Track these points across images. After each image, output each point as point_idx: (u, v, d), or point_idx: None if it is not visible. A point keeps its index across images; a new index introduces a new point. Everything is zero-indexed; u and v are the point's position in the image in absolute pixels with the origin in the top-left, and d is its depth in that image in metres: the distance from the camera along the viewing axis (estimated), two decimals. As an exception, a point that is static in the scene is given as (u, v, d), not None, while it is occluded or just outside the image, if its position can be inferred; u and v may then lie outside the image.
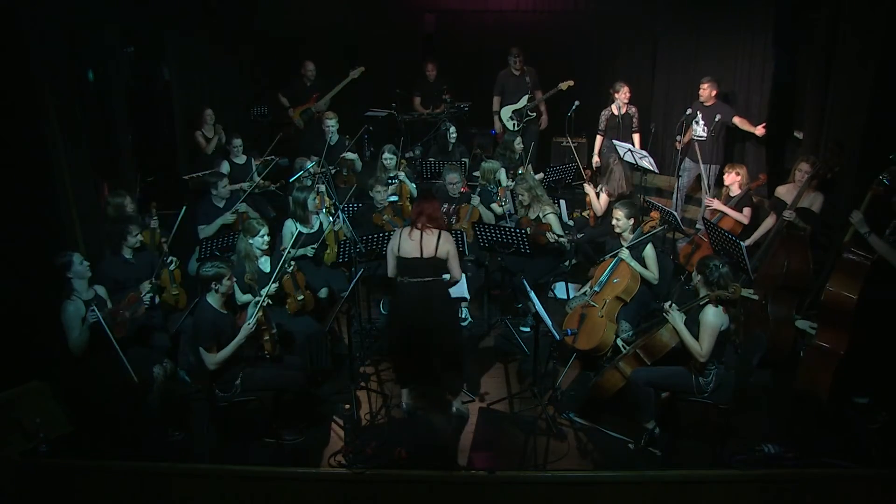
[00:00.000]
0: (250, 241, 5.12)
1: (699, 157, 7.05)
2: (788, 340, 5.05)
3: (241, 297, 4.99)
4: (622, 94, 7.60)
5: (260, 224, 5.18)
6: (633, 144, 7.49)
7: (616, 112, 7.65)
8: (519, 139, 7.36)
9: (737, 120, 7.10)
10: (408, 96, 8.73)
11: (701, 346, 4.20)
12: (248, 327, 4.39)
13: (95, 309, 4.50)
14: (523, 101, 8.10)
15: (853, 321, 4.53)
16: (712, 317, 4.18)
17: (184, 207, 5.78)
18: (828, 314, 4.61)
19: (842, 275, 4.56)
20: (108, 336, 4.46)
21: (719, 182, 7.35)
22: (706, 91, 7.14)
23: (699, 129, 7.21)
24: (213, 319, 4.38)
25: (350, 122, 8.03)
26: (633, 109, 7.71)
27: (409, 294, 4.57)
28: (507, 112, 8.25)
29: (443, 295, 4.64)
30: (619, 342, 4.83)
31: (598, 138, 7.86)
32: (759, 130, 7.01)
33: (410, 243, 4.52)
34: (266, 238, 5.16)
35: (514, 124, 8.15)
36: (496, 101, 8.32)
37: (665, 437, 4.50)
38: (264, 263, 5.18)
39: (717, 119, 7.03)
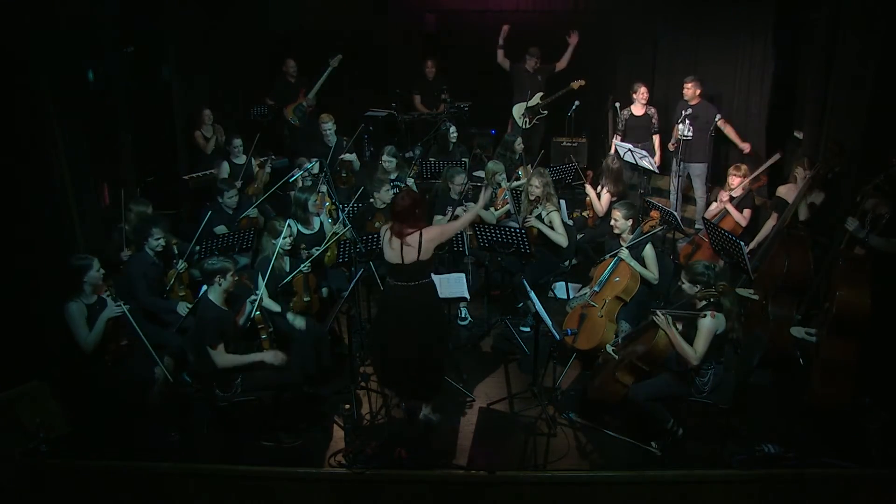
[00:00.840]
0: (274, 241, 5.14)
1: (686, 156, 7.13)
2: (788, 341, 5.04)
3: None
4: (640, 94, 7.54)
5: (282, 225, 5.21)
6: (653, 145, 7.49)
7: (637, 113, 7.62)
8: (519, 139, 7.35)
9: (728, 129, 7.15)
10: (408, 95, 8.72)
11: (695, 350, 4.18)
12: (274, 356, 4.45)
13: (122, 303, 4.51)
14: (536, 99, 8.08)
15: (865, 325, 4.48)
16: (709, 321, 4.17)
17: (209, 213, 5.85)
18: (842, 324, 4.48)
19: (848, 282, 4.48)
20: (134, 329, 4.48)
21: (714, 179, 7.40)
22: (690, 90, 7.18)
23: (685, 129, 7.23)
24: (216, 317, 4.39)
25: (350, 123, 8.04)
26: (653, 110, 7.62)
27: (393, 295, 4.49)
28: (519, 109, 8.22)
29: (428, 300, 4.49)
30: (610, 349, 4.69)
31: (616, 137, 7.78)
32: (746, 147, 7.06)
33: (391, 252, 4.41)
34: (289, 238, 5.20)
35: (525, 121, 8.13)
36: (502, 55, 8.25)
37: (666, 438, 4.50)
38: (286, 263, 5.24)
39: (717, 119, 7.06)
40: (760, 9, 7.35)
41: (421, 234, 4.34)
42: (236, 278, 4.54)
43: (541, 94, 8.10)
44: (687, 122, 7.15)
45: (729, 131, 7.16)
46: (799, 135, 6.85)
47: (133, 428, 4.59)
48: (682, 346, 4.20)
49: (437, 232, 4.43)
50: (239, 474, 4.36)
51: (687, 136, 7.19)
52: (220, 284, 4.43)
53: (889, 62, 5.27)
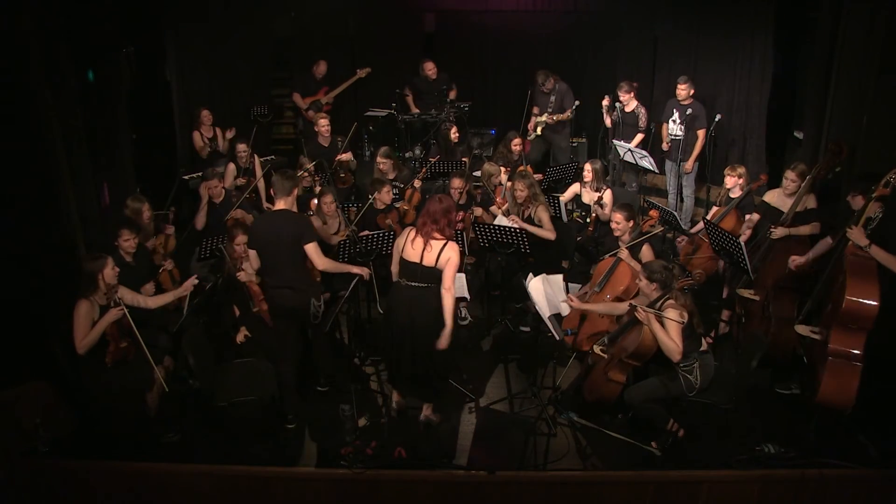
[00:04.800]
0: None
1: (679, 155, 7.22)
2: (789, 341, 5.03)
3: None
4: (622, 94, 7.59)
5: None
6: (630, 143, 7.52)
7: (626, 110, 7.65)
8: (517, 139, 7.38)
9: (700, 135, 7.24)
10: (406, 95, 8.73)
11: (676, 344, 4.18)
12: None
13: (123, 305, 4.49)
14: (543, 116, 8.07)
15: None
16: (673, 314, 4.19)
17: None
18: (850, 321, 4.37)
19: (856, 280, 4.35)
20: (133, 331, 4.46)
21: (712, 179, 7.42)
22: (684, 91, 7.24)
23: (676, 129, 7.31)
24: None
25: (350, 123, 8.04)
26: (642, 110, 7.62)
27: (402, 295, 4.46)
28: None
29: (436, 306, 4.40)
30: (598, 349, 4.64)
31: (607, 119, 7.83)
32: (689, 164, 7.26)
33: (412, 250, 4.41)
34: None
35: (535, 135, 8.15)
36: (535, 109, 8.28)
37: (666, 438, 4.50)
38: None
39: (688, 113, 7.13)
40: (761, 8, 7.36)
41: (446, 246, 4.35)
42: None
43: (548, 111, 8.04)
44: (679, 121, 7.20)
45: (699, 143, 7.27)
46: (799, 135, 6.85)
47: (133, 428, 4.59)
48: (664, 340, 4.18)
49: (455, 257, 4.35)
50: (239, 474, 4.35)
51: (678, 136, 7.25)
52: None
53: (890, 61, 5.27)
